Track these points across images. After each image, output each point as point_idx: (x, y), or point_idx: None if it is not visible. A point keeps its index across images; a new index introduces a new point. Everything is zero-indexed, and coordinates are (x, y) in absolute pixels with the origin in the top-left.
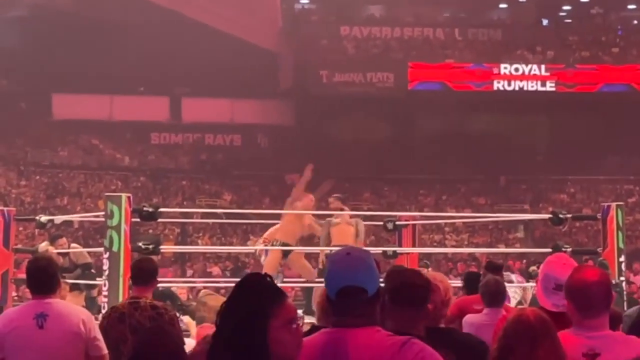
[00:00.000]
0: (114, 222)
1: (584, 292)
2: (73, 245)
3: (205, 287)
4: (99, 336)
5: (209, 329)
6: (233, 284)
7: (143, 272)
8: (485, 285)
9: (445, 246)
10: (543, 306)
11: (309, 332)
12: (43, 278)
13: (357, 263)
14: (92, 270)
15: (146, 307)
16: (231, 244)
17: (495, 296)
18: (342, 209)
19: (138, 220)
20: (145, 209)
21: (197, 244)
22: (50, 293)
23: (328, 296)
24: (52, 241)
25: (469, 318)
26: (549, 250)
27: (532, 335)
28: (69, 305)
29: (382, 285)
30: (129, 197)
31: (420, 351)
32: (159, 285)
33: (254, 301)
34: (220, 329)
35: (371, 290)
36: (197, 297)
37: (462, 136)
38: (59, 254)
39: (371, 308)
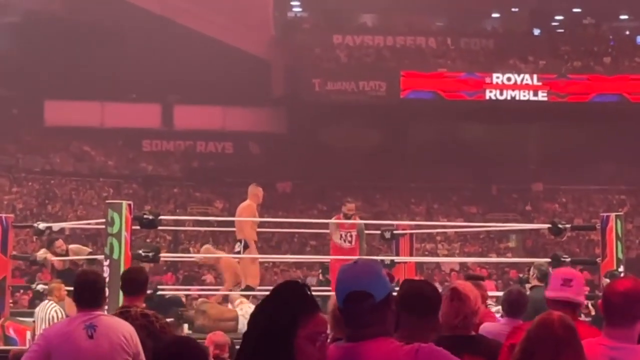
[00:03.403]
0: (115, 229)
1: (608, 301)
2: (71, 247)
3: (200, 295)
4: (142, 352)
5: (221, 336)
6: (227, 292)
7: (135, 282)
8: (507, 294)
9: (438, 255)
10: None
11: None
12: (92, 292)
13: (363, 270)
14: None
15: (137, 316)
16: (223, 252)
17: (516, 306)
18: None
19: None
20: (145, 216)
21: (189, 252)
22: (97, 307)
23: (338, 307)
24: (50, 244)
25: (486, 327)
26: (547, 260)
27: (555, 341)
28: (115, 319)
29: (395, 294)
30: (129, 205)
31: (433, 351)
32: (165, 292)
33: (284, 308)
34: (249, 333)
35: (378, 295)
36: (195, 306)
37: (454, 145)
38: (60, 260)
39: (381, 315)
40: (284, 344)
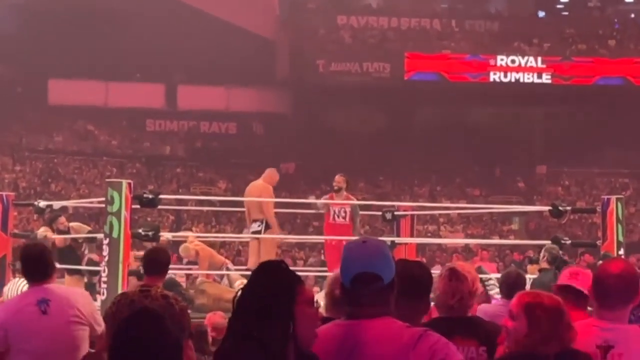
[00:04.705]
0: (114, 208)
1: (602, 283)
2: (72, 224)
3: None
4: (98, 316)
5: (221, 318)
6: (228, 273)
7: (157, 263)
8: (505, 275)
9: (440, 237)
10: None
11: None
12: (38, 265)
13: (372, 251)
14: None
15: (157, 297)
16: (224, 231)
17: (514, 288)
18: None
19: (136, 207)
20: (145, 195)
21: (191, 232)
22: (47, 279)
23: (342, 285)
24: (52, 221)
25: (483, 307)
26: (548, 242)
27: (545, 319)
28: (67, 289)
29: None
30: (129, 184)
31: (435, 343)
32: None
33: (282, 280)
34: (241, 312)
35: (386, 278)
36: (195, 285)
37: (458, 127)
38: (61, 237)
39: (385, 297)
40: (287, 312)
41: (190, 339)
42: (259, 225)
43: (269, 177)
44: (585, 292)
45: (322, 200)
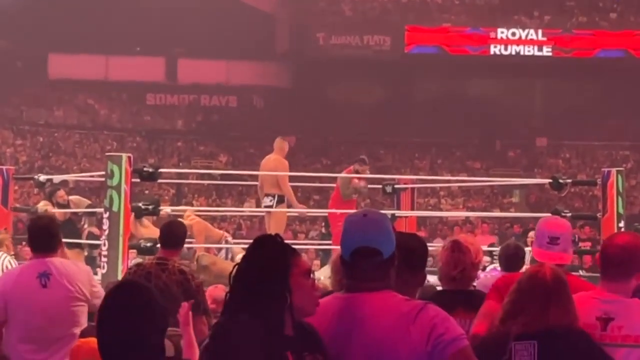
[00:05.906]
0: (114, 181)
1: (607, 254)
2: (71, 198)
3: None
4: (98, 291)
5: (222, 291)
6: (229, 246)
7: (174, 236)
8: (505, 248)
9: (441, 210)
10: (541, 261)
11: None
12: (44, 237)
13: (373, 224)
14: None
15: (174, 271)
16: (225, 205)
17: (513, 261)
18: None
19: (136, 180)
20: (145, 169)
21: (192, 206)
22: (52, 252)
23: (342, 258)
24: (51, 194)
25: (482, 280)
26: (548, 214)
27: (546, 292)
28: (70, 264)
29: None
30: (129, 157)
31: (435, 316)
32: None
33: (275, 252)
34: (238, 286)
35: (386, 252)
36: (197, 259)
37: (458, 100)
38: (61, 209)
39: (386, 271)
40: (282, 284)
41: (204, 315)
42: (270, 200)
43: (280, 149)
44: (563, 262)
45: (343, 175)
